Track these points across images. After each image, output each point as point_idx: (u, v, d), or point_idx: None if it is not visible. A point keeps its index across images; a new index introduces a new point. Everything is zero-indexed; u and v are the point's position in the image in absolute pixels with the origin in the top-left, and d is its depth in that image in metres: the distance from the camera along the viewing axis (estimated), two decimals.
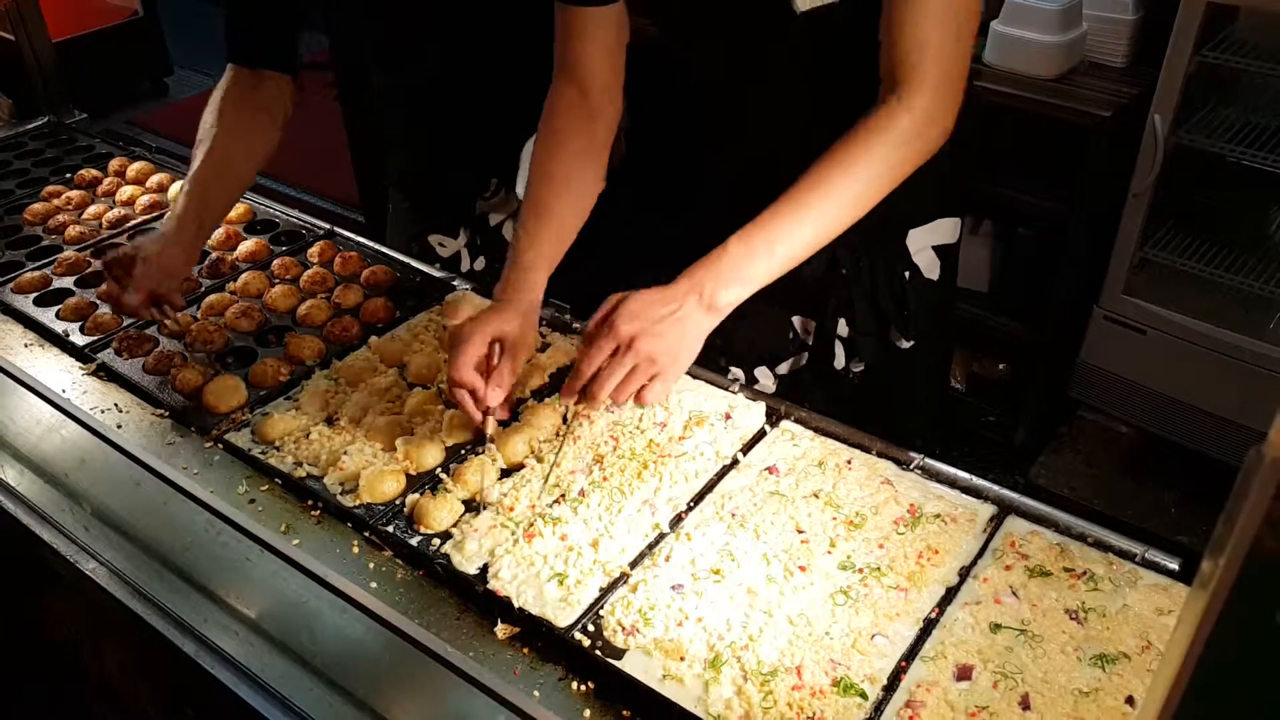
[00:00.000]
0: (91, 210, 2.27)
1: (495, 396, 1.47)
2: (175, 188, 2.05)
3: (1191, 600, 0.41)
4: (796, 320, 1.77)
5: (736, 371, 1.83)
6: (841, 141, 1.37)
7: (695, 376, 1.68)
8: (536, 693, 1.18)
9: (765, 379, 1.83)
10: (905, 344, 1.74)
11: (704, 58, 1.66)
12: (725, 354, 1.81)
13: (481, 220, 2.15)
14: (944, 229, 1.72)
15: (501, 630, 1.26)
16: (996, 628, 1.24)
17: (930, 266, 1.72)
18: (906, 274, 1.70)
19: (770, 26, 1.51)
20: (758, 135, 1.67)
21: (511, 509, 1.41)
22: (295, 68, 1.95)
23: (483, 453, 1.52)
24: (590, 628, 1.25)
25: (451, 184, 2.14)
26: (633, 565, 1.33)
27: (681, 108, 1.74)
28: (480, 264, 2.20)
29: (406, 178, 2.22)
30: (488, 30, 1.95)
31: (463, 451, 1.53)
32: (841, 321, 1.74)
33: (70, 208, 2.28)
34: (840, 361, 1.76)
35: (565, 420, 1.49)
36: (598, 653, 1.21)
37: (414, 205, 2.23)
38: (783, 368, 1.82)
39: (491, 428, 1.50)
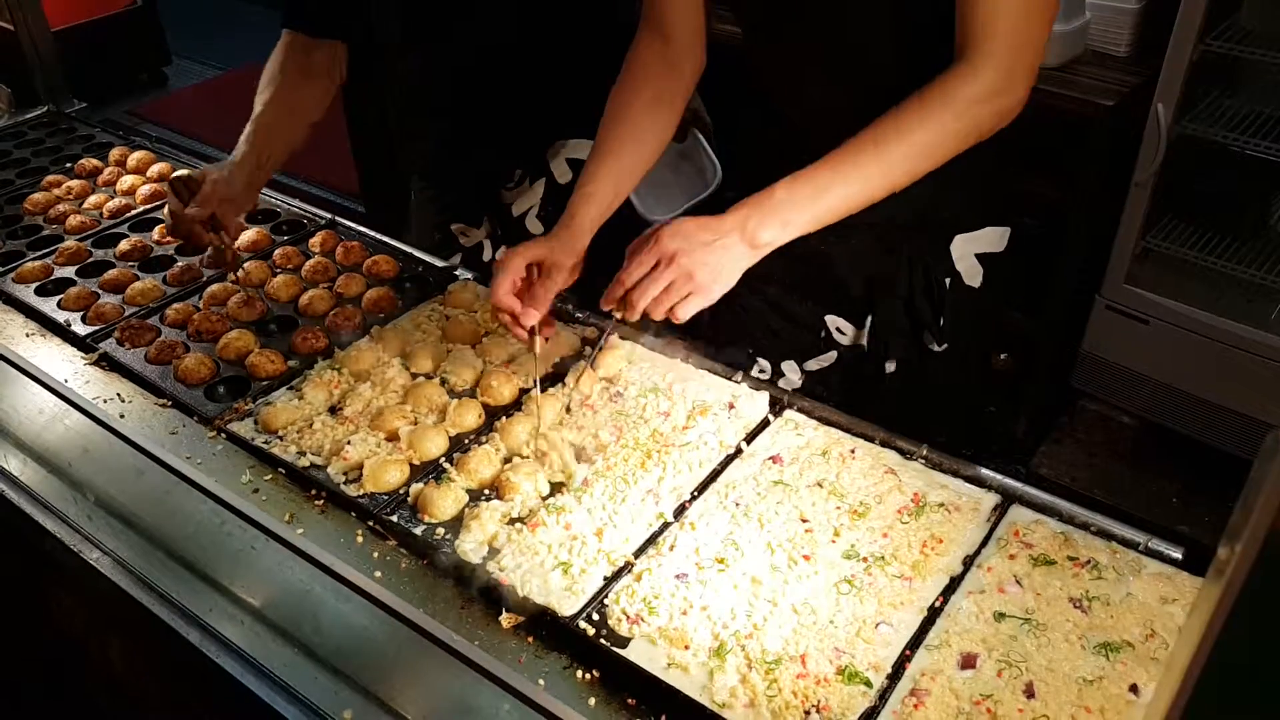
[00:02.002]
0: (92, 200, 2.26)
1: (530, 317, 1.53)
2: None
3: (1207, 587, 0.41)
4: (830, 319, 1.76)
5: (763, 363, 1.82)
6: (904, 103, 1.39)
7: (698, 367, 1.68)
8: (541, 681, 1.18)
9: (792, 373, 1.83)
10: (937, 348, 1.73)
11: (764, 40, 1.66)
12: (753, 346, 1.81)
13: (505, 211, 2.15)
14: (990, 237, 1.69)
15: (506, 619, 1.26)
16: (1001, 616, 1.24)
17: (972, 274, 1.70)
18: (947, 280, 1.69)
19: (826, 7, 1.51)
20: (816, 113, 1.65)
21: (514, 497, 1.42)
22: (351, 33, 1.98)
23: (486, 442, 1.52)
24: (595, 616, 1.25)
25: (477, 170, 2.13)
26: (637, 554, 1.33)
27: (740, 102, 1.75)
28: (502, 254, 2.19)
29: (431, 163, 2.22)
30: (524, 19, 1.94)
31: (466, 441, 1.53)
32: (874, 320, 1.73)
33: (71, 197, 2.28)
34: (873, 361, 1.76)
35: (593, 348, 1.57)
36: (602, 641, 1.21)
37: (437, 193, 2.23)
38: (811, 364, 1.82)
39: (539, 346, 1.57)
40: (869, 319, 1.73)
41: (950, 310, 1.70)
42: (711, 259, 1.39)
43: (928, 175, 1.42)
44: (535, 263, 1.53)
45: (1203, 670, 0.41)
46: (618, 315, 1.48)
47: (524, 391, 1.64)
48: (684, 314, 1.42)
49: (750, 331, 1.76)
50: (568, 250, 1.53)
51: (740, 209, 1.41)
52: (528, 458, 1.50)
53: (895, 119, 1.38)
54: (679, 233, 1.40)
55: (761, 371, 1.84)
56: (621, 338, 1.72)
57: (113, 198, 2.26)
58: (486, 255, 2.20)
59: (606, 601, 1.26)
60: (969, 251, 1.69)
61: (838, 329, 1.77)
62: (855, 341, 1.77)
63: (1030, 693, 1.15)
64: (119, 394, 1.68)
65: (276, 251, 2.03)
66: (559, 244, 1.53)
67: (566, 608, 1.25)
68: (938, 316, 1.70)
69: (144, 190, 2.26)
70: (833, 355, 1.79)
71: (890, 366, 1.75)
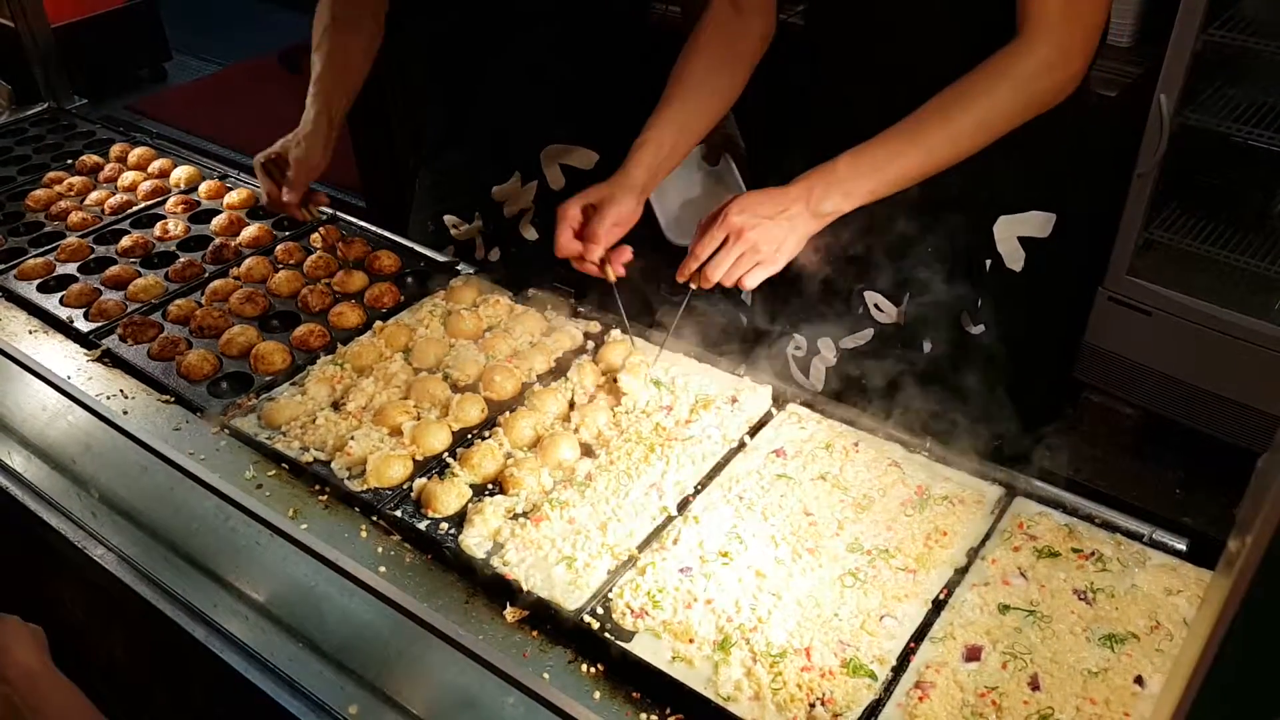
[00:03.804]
0: (94, 196, 2.26)
1: (594, 252, 1.60)
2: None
3: (1217, 579, 0.41)
4: (869, 295, 1.77)
5: (800, 340, 1.82)
6: (963, 78, 1.44)
7: (700, 360, 1.67)
8: (546, 675, 1.18)
9: (828, 351, 1.83)
10: (974, 329, 1.73)
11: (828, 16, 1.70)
12: (791, 320, 1.81)
13: (497, 209, 2.15)
14: (1034, 222, 1.70)
15: (510, 613, 1.26)
16: (1005, 609, 1.24)
17: (1013, 257, 1.71)
18: (987, 262, 1.70)
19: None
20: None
21: (517, 492, 1.42)
22: None
23: (489, 437, 1.52)
24: (599, 610, 1.25)
25: (468, 161, 2.14)
26: (641, 548, 1.33)
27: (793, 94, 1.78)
28: (495, 255, 2.19)
29: (426, 149, 2.23)
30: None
31: (469, 436, 1.53)
32: (912, 298, 1.73)
33: (72, 194, 2.27)
34: (910, 341, 1.76)
35: (684, 299, 1.61)
36: (607, 635, 1.21)
37: (435, 183, 2.23)
38: (847, 342, 1.82)
39: (613, 275, 1.63)
40: (907, 296, 1.73)
41: (989, 293, 1.70)
42: (776, 231, 1.47)
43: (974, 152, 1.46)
44: (590, 204, 1.60)
45: (1212, 663, 0.41)
46: (693, 286, 1.55)
47: (526, 386, 1.64)
48: (751, 283, 1.50)
49: (790, 304, 1.77)
50: (621, 188, 1.60)
51: (804, 180, 1.48)
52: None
53: (954, 93, 1.44)
54: (745, 208, 1.47)
55: (798, 349, 1.84)
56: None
57: (114, 194, 2.26)
58: (479, 253, 2.20)
59: (611, 595, 1.26)
60: (1011, 234, 1.69)
61: (876, 305, 1.77)
62: (893, 320, 1.77)
63: (1035, 685, 1.15)
64: (122, 390, 1.68)
65: (278, 247, 2.03)
66: (612, 183, 1.61)
67: (571, 602, 1.25)
68: (976, 298, 1.70)
69: (145, 186, 2.26)
70: (869, 333, 1.80)
71: (927, 347, 1.75)
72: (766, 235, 1.47)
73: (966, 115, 1.44)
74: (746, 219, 1.47)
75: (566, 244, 1.60)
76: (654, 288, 1.78)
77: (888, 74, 1.62)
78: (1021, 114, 1.45)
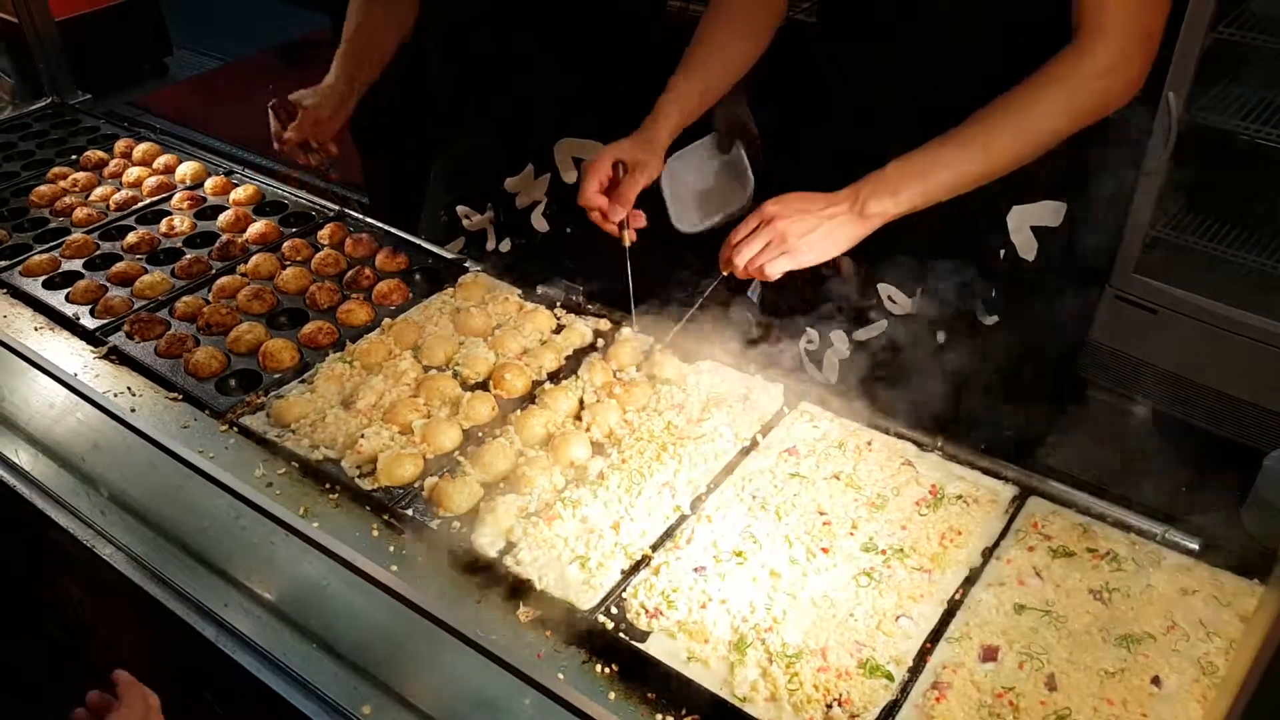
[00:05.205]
0: (98, 192, 2.25)
1: (617, 212, 1.63)
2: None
3: (1269, 593, 0.40)
4: (883, 287, 1.76)
5: (812, 334, 1.82)
6: (1020, 84, 1.43)
7: (712, 357, 1.66)
8: (560, 675, 1.18)
9: (841, 344, 1.82)
10: (989, 320, 1.72)
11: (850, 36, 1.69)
12: (805, 314, 1.81)
13: (509, 200, 2.14)
14: (1046, 211, 1.70)
15: (523, 613, 1.26)
16: (1021, 609, 1.23)
17: (1027, 247, 1.70)
18: (1001, 251, 1.69)
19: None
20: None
21: (529, 490, 1.41)
22: None
23: (500, 435, 1.51)
24: (613, 610, 1.24)
25: (481, 151, 2.14)
26: (654, 547, 1.32)
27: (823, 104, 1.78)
28: (506, 245, 2.19)
29: (438, 141, 2.23)
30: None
31: (480, 434, 1.53)
32: (925, 289, 1.73)
33: (77, 190, 2.26)
34: (923, 332, 1.76)
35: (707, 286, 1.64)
36: (621, 635, 1.21)
37: (448, 173, 2.23)
38: (860, 334, 1.82)
39: (629, 239, 1.66)
40: (920, 288, 1.72)
41: (1002, 283, 1.70)
42: (808, 225, 1.47)
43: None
44: (620, 162, 1.63)
45: (1260, 677, 0.40)
46: (725, 272, 1.57)
47: (536, 384, 1.63)
48: (772, 272, 1.50)
49: (803, 296, 1.78)
50: (649, 149, 1.64)
51: (854, 184, 1.48)
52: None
53: (1009, 98, 1.43)
54: (782, 199, 1.49)
55: (810, 342, 1.83)
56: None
57: (119, 190, 2.24)
58: (490, 244, 2.19)
59: (625, 595, 1.26)
60: (1024, 223, 1.69)
61: (889, 297, 1.77)
62: (907, 312, 1.77)
63: (1052, 685, 1.14)
64: (129, 388, 1.67)
65: (285, 244, 2.02)
66: (641, 143, 1.64)
67: (585, 601, 1.24)
68: (990, 288, 1.70)
69: (150, 182, 2.25)
70: (883, 325, 1.79)
71: (940, 338, 1.75)
72: (797, 227, 1.47)
73: (1021, 119, 1.43)
74: (779, 209, 1.48)
75: (593, 197, 1.62)
76: (661, 275, 1.77)
77: (901, 63, 1.61)
78: (1078, 120, 1.45)
